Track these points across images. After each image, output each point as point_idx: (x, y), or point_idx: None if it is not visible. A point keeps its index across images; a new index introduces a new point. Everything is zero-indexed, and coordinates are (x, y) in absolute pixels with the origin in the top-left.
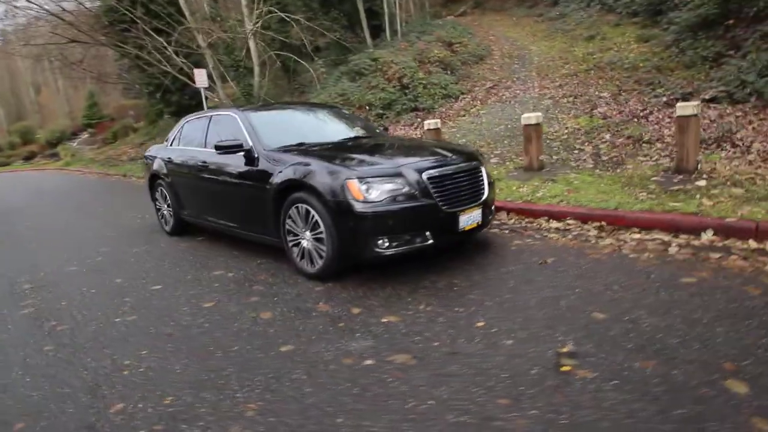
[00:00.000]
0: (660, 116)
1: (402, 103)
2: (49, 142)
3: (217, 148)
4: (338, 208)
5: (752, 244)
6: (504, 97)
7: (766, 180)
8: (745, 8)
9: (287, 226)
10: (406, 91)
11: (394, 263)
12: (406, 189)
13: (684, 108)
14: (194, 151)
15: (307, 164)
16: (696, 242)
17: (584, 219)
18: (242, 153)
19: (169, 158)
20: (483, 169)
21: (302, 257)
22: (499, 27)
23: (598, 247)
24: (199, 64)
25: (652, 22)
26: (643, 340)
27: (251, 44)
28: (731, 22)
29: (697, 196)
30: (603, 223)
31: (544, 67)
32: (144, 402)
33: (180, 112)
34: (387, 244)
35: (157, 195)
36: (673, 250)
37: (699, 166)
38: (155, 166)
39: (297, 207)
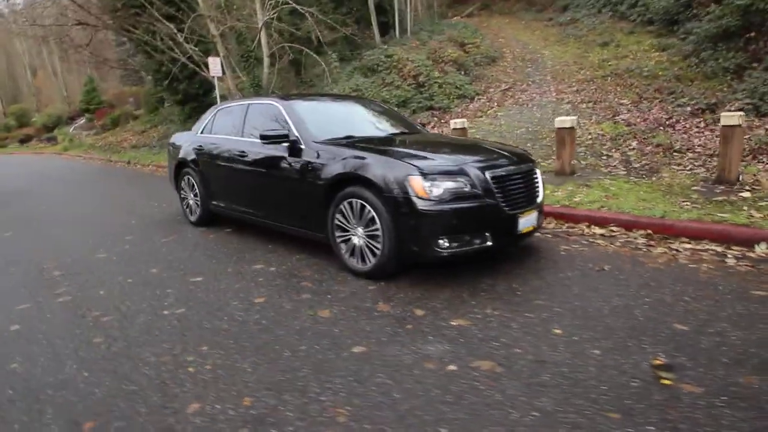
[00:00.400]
0: (687, 125)
1: (417, 101)
2: (46, 126)
3: (263, 137)
4: (399, 205)
5: None
6: (521, 99)
7: None
8: None
9: (336, 222)
10: (422, 89)
11: (438, 265)
12: (468, 188)
13: (729, 118)
14: (230, 140)
15: (363, 158)
16: (752, 254)
17: (629, 226)
18: (287, 144)
19: (200, 147)
20: (538, 171)
21: (351, 254)
22: (509, 30)
23: (652, 255)
24: (208, 53)
25: (667, 31)
26: (737, 353)
27: (262, 35)
28: (753, 34)
29: (744, 207)
30: (650, 231)
31: (559, 71)
32: (221, 403)
33: (186, 101)
34: (447, 245)
35: (183, 184)
36: (731, 261)
37: (741, 177)
38: (182, 154)
39: (350, 202)
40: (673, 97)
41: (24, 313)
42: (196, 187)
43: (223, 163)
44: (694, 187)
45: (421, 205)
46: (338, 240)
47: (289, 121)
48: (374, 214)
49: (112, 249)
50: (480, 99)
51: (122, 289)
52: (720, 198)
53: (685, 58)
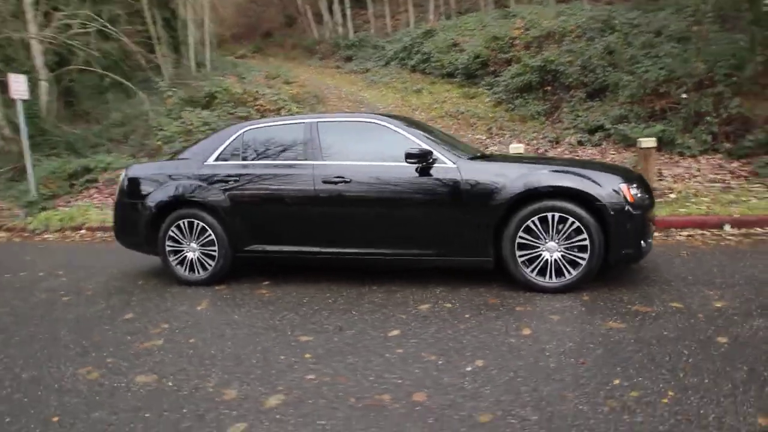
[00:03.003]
0: (556, 153)
1: None
2: None
3: (409, 156)
4: (615, 212)
5: None
6: None
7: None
8: (560, 79)
9: (519, 240)
10: None
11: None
12: (640, 195)
13: (646, 142)
14: (303, 165)
15: (548, 171)
16: (722, 233)
17: None
18: (420, 164)
19: (230, 177)
20: None
21: (540, 272)
22: (304, 74)
23: (690, 243)
24: None
25: (469, 83)
26: None
27: (36, 52)
28: (548, 88)
29: (687, 204)
30: None
31: (398, 112)
32: None
33: None
34: (644, 244)
35: (172, 232)
36: (722, 237)
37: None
38: (177, 191)
39: (542, 217)
40: (517, 132)
41: None
42: (211, 232)
43: (286, 194)
44: None
45: (632, 209)
46: (520, 258)
47: (416, 139)
48: (579, 224)
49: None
50: None
51: None
52: (660, 200)
53: (497, 104)
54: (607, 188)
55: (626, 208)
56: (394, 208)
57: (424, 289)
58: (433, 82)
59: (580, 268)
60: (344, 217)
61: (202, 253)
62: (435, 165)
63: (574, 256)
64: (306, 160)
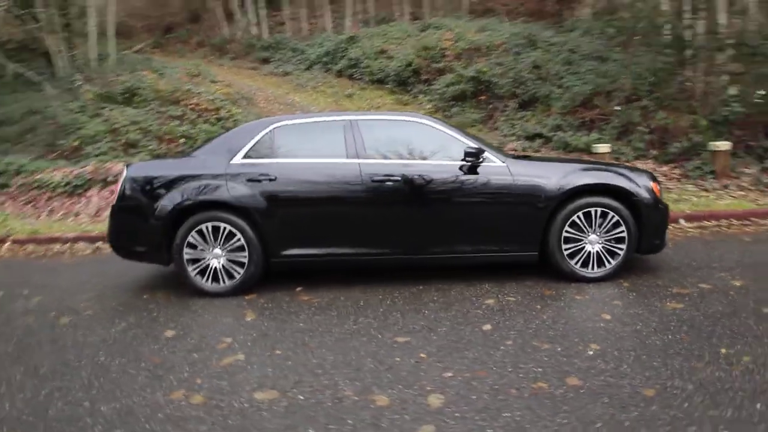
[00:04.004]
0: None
1: None
2: None
3: (468, 154)
4: (648, 207)
5: None
6: None
7: None
8: (493, 89)
9: (566, 233)
10: (229, 127)
11: None
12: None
13: (601, 148)
14: (347, 164)
15: (585, 170)
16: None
17: None
18: (471, 163)
19: (274, 175)
20: None
21: (583, 264)
22: (220, 74)
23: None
24: None
25: (401, 90)
26: None
27: None
28: (483, 97)
29: None
30: None
31: None
32: None
33: None
34: (666, 237)
35: (192, 238)
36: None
37: None
38: (201, 191)
39: (586, 212)
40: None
41: None
42: (240, 236)
43: (332, 194)
44: None
45: (660, 204)
46: (566, 251)
47: (464, 138)
48: (618, 218)
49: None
50: None
51: None
52: None
53: (436, 111)
54: (641, 185)
55: (656, 203)
56: (446, 207)
57: (471, 285)
58: (363, 87)
59: (619, 258)
60: (394, 218)
61: (229, 260)
62: (483, 164)
63: (614, 247)
64: (349, 158)
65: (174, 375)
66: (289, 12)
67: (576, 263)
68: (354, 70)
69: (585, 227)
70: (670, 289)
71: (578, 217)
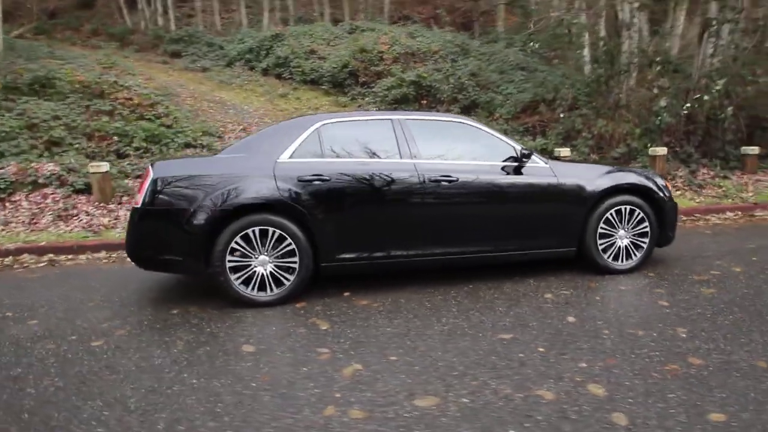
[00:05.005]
0: None
1: (169, 137)
2: None
3: (524, 156)
4: (664, 203)
5: None
6: None
7: None
8: (435, 94)
9: (600, 230)
10: (170, 125)
11: None
12: None
13: (563, 151)
14: (401, 164)
15: (614, 172)
16: None
17: None
18: (513, 163)
19: (327, 175)
20: None
21: (615, 257)
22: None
23: None
24: None
25: (336, 91)
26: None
27: None
28: (424, 102)
29: None
30: None
31: (281, 116)
32: None
33: None
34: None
35: (235, 244)
36: None
37: None
38: (249, 193)
39: (618, 209)
40: None
41: None
42: (290, 240)
43: (391, 195)
44: None
45: (672, 201)
46: (600, 246)
47: (506, 140)
48: (643, 214)
49: None
50: (228, 137)
51: None
52: None
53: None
54: (660, 184)
55: (671, 200)
56: (498, 206)
57: (518, 282)
58: (296, 87)
59: (643, 251)
60: (449, 218)
61: (277, 267)
62: (528, 165)
63: (639, 241)
64: (404, 158)
65: (303, 392)
66: (200, 4)
67: (608, 257)
68: (283, 69)
69: (616, 223)
70: (690, 277)
71: (611, 214)
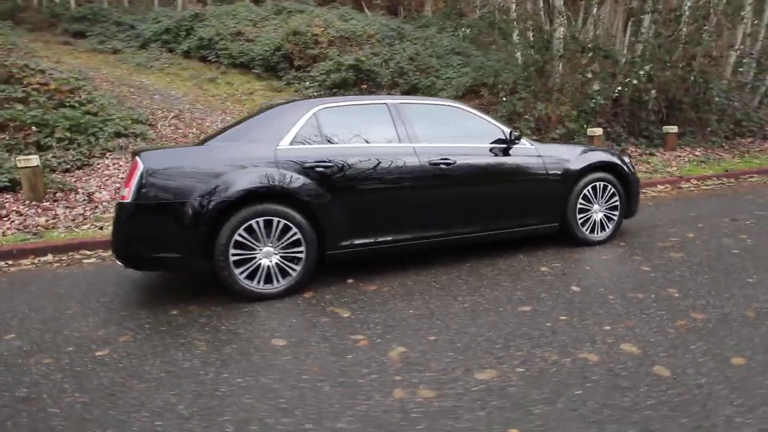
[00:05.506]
0: None
1: (99, 126)
2: None
3: (516, 138)
4: (632, 180)
5: None
6: (218, 126)
7: None
8: (375, 78)
9: (579, 205)
10: (94, 113)
11: None
12: None
13: None
14: (399, 148)
15: (588, 151)
16: None
17: None
18: (502, 145)
19: (329, 161)
20: None
21: (592, 230)
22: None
23: None
24: None
25: (269, 75)
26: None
27: None
28: (364, 86)
29: None
30: None
31: (214, 102)
32: None
33: None
34: None
35: (239, 237)
36: None
37: None
38: (252, 182)
39: (593, 186)
40: None
41: None
42: (296, 230)
43: (394, 179)
44: None
45: (636, 175)
46: (579, 221)
47: (498, 124)
48: (615, 190)
49: None
50: (161, 125)
51: None
52: None
53: (318, 98)
54: (626, 161)
55: (634, 175)
56: (493, 186)
57: (509, 259)
58: (224, 71)
59: (614, 223)
60: (449, 200)
61: (282, 257)
62: (516, 146)
63: (610, 214)
64: (402, 142)
65: (361, 379)
66: None
67: (586, 230)
68: (208, 51)
69: (591, 199)
70: (656, 244)
71: (587, 190)
